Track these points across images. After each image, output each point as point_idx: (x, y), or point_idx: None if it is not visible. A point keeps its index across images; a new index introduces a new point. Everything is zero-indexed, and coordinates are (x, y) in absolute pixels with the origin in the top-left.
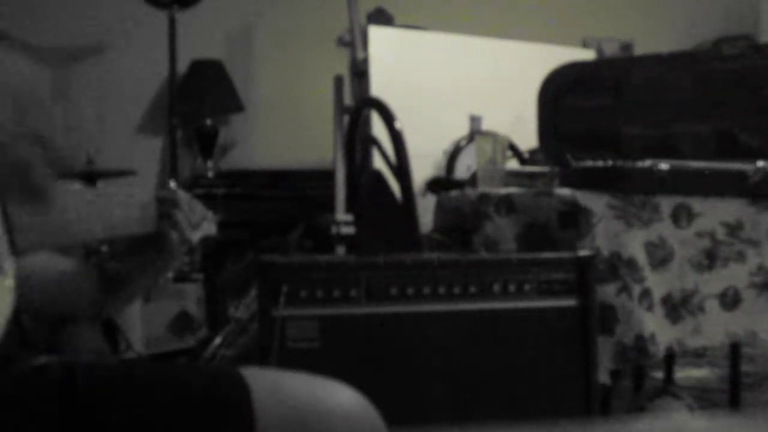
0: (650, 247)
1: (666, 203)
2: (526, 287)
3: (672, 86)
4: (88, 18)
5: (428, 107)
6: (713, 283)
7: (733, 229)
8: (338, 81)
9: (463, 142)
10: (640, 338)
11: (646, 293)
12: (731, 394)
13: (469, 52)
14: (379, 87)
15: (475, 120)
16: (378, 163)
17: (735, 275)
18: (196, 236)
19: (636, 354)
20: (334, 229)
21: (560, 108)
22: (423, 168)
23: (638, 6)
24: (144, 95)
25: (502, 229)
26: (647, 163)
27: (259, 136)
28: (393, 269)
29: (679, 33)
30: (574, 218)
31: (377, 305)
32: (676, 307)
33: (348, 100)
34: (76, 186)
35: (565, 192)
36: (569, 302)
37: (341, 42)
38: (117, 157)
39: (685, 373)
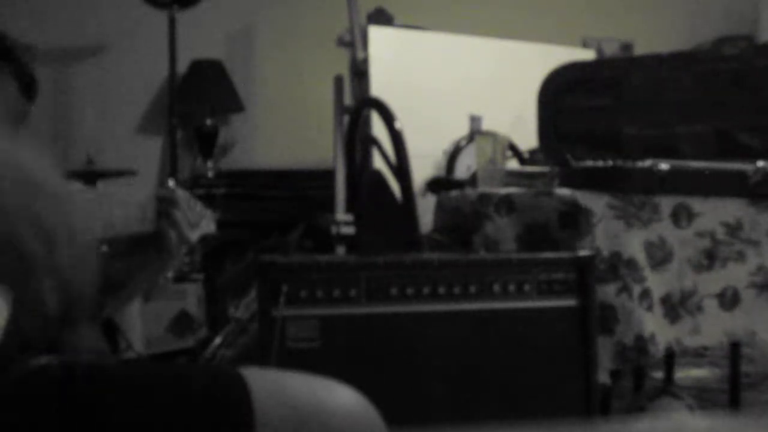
0: (650, 247)
1: (666, 203)
2: (526, 287)
3: (672, 86)
4: (88, 18)
5: (428, 107)
6: (712, 283)
7: (733, 229)
8: (338, 81)
9: (463, 142)
10: (640, 338)
11: (645, 293)
12: (731, 394)
13: (469, 52)
14: (379, 87)
15: (475, 120)
16: (378, 163)
17: (734, 275)
18: (195, 235)
19: (636, 354)
20: (334, 229)
21: (560, 108)
22: (423, 168)
23: (638, 6)
24: (144, 95)
25: (502, 229)
26: (647, 163)
27: (259, 136)
28: (393, 269)
29: (679, 33)
30: (574, 218)
31: (377, 305)
32: (675, 307)
33: (348, 100)
34: (76, 186)
35: (565, 192)
36: (569, 302)
37: (341, 42)
38: (117, 157)
39: (685, 373)
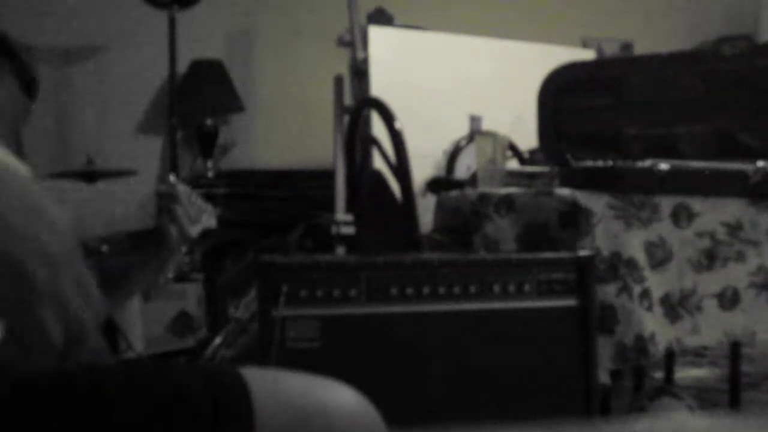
0: (650, 247)
1: (666, 203)
2: (526, 287)
3: (672, 86)
4: (88, 18)
5: (428, 107)
6: (712, 282)
7: (733, 229)
8: (338, 81)
9: (463, 142)
10: (640, 338)
11: (645, 293)
12: (731, 394)
13: (469, 52)
14: (379, 87)
15: (475, 120)
16: (378, 163)
17: (734, 275)
18: (195, 230)
19: (636, 354)
20: (334, 229)
21: (560, 108)
22: (423, 168)
23: (638, 6)
24: (144, 95)
25: (502, 229)
26: (647, 163)
27: (259, 136)
28: (393, 269)
29: (679, 33)
30: (574, 218)
31: (377, 305)
32: (675, 307)
33: (348, 100)
34: (76, 184)
35: (565, 192)
36: (569, 302)
37: (341, 42)
38: (117, 157)
39: (685, 373)
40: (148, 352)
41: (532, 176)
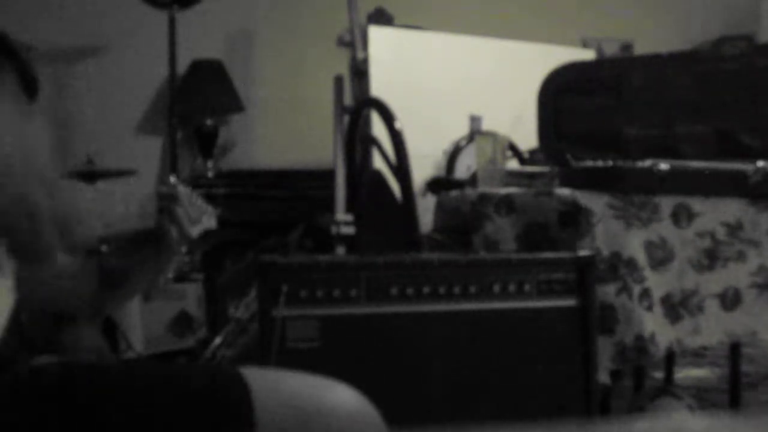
0: (650, 247)
1: (666, 203)
2: (526, 287)
3: (672, 86)
4: (88, 18)
5: (428, 107)
6: (713, 283)
7: (734, 229)
8: (338, 81)
9: (463, 142)
10: (640, 338)
11: (646, 293)
12: (731, 394)
13: (469, 52)
14: (379, 87)
15: (475, 120)
16: (378, 163)
17: (735, 275)
18: (196, 231)
19: (636, 354)
20: (334, 229)
21: (560, 108)
22: (423, 168)
23: (638, 6)
24: (144, 95)
25: (502, 229)
26: (647, 163)
27: (259, 136)
28: (393, 269)
29: (679, 33)
30: (574, 218)
31: (377, 305)
32: (675, 307)
33: (348, 100)
34: (77, 184)
35: (565, 192)
36: (569, 302)
37: (341, 42)
38: (117, 157)
39: (685, 373)
40: (148, 352)
41: (532, 176)
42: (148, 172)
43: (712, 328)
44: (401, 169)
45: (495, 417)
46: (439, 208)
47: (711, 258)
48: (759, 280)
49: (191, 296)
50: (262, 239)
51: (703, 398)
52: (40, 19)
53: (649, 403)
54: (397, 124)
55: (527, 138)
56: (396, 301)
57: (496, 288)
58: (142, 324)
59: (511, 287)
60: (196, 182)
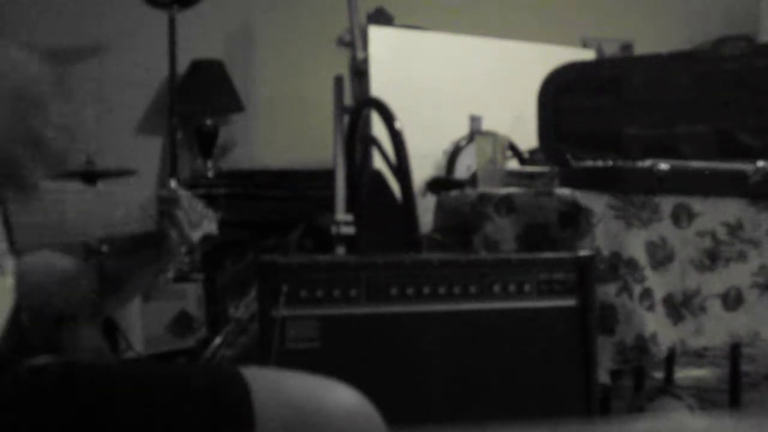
0: (651, 247)
1: (666, 203)
2: (526, 287)
3: (672, 86)
4: (88, 18)
5: (428, 107)
6: (715, 283)
7: (734, 229)
8: (338, 81)
9: (463, 142)
10: (640, 338)
11: (646, 293)
12: (731, 394)
13: (469, 52)
14: (379, 87)
15: (475, 120)
16: (378, 163)
17: (737, 275)
18: (196, 235)
19: (637, 354)
20: (334, 229)
21: (560, 108)
22: (423, 168)
23: (638, 6)
24: (144, 95)
25: (502, 229)
26: (647, 163)
27: (259, 136)
28: (393, 269)
29: (679, 33)
30: (574, 218)
31: (377, 305)
32: (678, 308)
33: (348, 100)
34: (77, 186)
35: (565, 192)
36: (569, 302)
37: (341, 42)
38: (117, 157)
39: (685, 373)
40: (148, 352)
41: (532, 176)
42: (148, 172)
43: (715, 328)
44: (401, 169)
45: (495, 417)
46: (439, 208)
47: (712, 258)
48: (760, 280)
49: (191, 296)
50: (262, 239)
51: (703, 398)
52: (40, 19)
53: (649, 403)
54: (397, 124)
55: (527, 138)
56: (396, 301)
57: (496, 288)
58: (142, 324)
59: (511, 287)
60: (196, 182)
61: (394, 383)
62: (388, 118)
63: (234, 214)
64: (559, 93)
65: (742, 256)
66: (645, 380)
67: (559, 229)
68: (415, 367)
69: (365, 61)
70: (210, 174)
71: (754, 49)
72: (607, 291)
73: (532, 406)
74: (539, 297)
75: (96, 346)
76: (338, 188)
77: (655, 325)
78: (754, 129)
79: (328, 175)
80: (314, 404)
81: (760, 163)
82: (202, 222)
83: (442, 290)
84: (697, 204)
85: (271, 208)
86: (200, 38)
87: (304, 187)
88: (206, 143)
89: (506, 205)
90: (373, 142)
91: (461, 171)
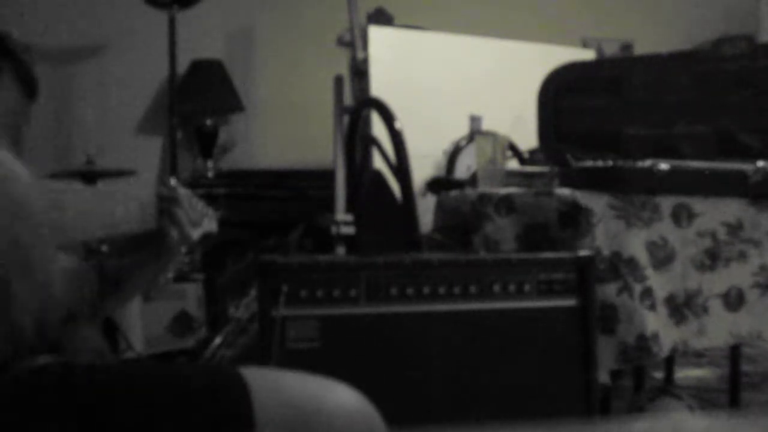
0: (651, 247)
1: (666, 203)
2: (526, 287)
3: (672, 86)
4: (88, 18)
5: (428, 107)
6: (716, 283)
7: (734, 229)
8: (338, 81)
9: (463, 142)
10: (641, 338)
11: (647, 292)
12: (731, 394)
13: (469, 52)
14: (379, 87)
15: (475, 120)
16: (378, 163)
17: (738, 275)
18: (196, 233)
19: (638, 353)
20: (334, 229)
21: (560, 108)
22: (423, 168)
23: (638, 6)
24: (144, 95)
25: (502, 229)
26: (647, 163)
27: (259, 136)
28: (393, 269)
29: (679, 33)
30: (574, 218)
31: (377, 305)
32: (680, 308)
33: (348, 100)
34: (77, 185)
35: (565, 192)
36: (569, 302)
37: (341, 42)
38: (117, 157)
39: (685, 373)
40: (148, 352)
41: (532, 176)
42: (148, 172)
43: (717, 329)
44: (401, 169)
45: (495, 417)
46: (439, 208)
47: (713, 258)
48: (761, 280)
49: (191, 296)
50: (262, 239)
51: (703, 398)
52: (40, 19)
53: (649, 403)
54: (397, 124)
55: (527, 138)
56: (396, 301)
57: (496, 288)
58: (142, 324)
59: (511, 287)
60: (196, 182)
61: (394, 383)
62: (388, 118)
63: (234, 214)
64: (559, 93)
65: (742, 256)
66: (645, 380)
67: (559, 229)
68: (415, 367)
69: (365, 61)
70: (210, 174)
71: (754, 49)
72: (608, 291)
73: (532, 406)
74: (539, 297)
75: (96, 346)
76: (338, 188)
77: (657, 324)
78: (754, 129)
79: (328, 175)
80: (314, 404)
81: (760, 163)
82: (202, 220)
83: (442, 290)
84: (697, 204)
85: (271, 208)
86: (200, 38)
87: (304, 187)
88: (206, 143)
89: (506, 205)
90: (373, 142)
91: (461, 171)
